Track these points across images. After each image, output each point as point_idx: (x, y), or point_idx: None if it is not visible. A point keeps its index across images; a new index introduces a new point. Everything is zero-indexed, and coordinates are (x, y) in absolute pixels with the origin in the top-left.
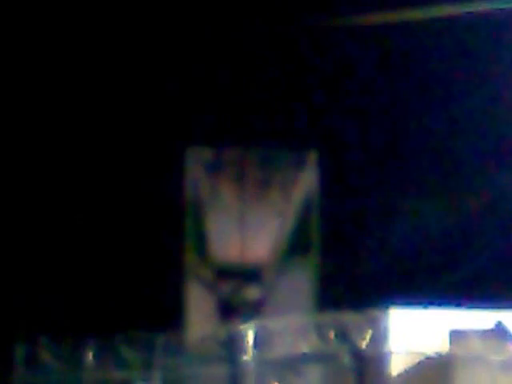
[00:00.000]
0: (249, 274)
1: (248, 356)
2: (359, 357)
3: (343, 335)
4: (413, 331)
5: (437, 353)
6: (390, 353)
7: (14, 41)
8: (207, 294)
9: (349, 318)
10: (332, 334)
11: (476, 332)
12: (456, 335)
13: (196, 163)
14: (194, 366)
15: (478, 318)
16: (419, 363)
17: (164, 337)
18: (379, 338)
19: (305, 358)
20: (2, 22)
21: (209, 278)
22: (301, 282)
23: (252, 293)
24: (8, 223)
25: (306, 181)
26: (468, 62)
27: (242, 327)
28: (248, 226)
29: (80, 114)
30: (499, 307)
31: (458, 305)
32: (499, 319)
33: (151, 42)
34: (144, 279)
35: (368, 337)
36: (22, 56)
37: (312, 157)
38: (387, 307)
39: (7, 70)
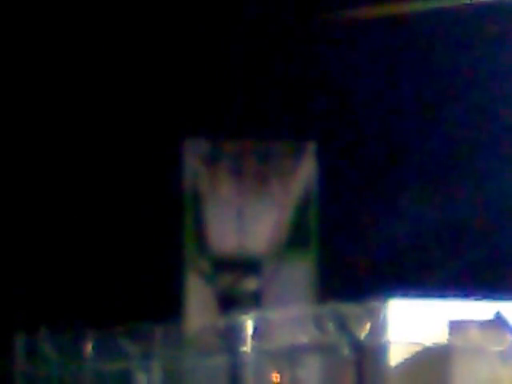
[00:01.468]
0: (248, 266)
1: (247, 347)
2: (358, 347)
3: (342, 326)
4: (412, 322)
5: (436, 343)
6: (389, 343)
7: (15, 41)
8: (206, 286)
9: (348, 308)
10: (331, 325)
11: (475, 322)
12: (455, 326)
13: (195, 155)
14: (193, 356)
15: (476, 309)
16: (418, 354)
17: (164, 328)
18: (378, 329)
19: (304, 349)
20: (2, 23)
21: (208, 270)
22: (300, 273)
23: (251, 284)
24: (8, 215)
25: (305, 173)
26: (465, 58)
27: (241, 318)
28: (247, 218)
29: (79, 108)
30: (498, 298)
31: (457, 295)
32: (498, 310)
33: (151, 37)
34: (144, 271)
35: (367, 327)
36: (23, 56)
37: (310, 149)
38: (386, 298)
39: (7, 70)
